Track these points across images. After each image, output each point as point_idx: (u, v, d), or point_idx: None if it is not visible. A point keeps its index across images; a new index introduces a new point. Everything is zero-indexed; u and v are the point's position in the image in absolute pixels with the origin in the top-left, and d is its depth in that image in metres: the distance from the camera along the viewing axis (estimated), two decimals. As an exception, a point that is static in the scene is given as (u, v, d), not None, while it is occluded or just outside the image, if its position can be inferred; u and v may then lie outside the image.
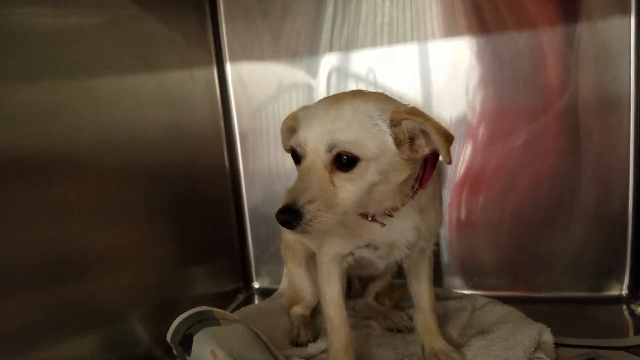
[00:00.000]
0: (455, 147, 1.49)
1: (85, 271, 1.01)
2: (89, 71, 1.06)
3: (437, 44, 1.47)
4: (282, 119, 1.03)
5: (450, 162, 0.88)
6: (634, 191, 1.41)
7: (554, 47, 1.39)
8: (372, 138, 0.89)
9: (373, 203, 0.96)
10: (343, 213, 0.90)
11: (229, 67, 1.64)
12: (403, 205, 0.99)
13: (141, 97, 1.23)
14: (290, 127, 1.06)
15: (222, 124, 1.65)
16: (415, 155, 0.92)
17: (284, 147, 1.10)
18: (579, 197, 1.45)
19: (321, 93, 1.57)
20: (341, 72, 1.56)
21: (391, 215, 1.00)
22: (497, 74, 1.44)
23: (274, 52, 1.60)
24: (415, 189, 0.98)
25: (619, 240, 1.44)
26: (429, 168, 0.99)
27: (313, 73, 1.58)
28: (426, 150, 0.92)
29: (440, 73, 1.48)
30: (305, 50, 1.57)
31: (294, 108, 1.57)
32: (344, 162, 0.88)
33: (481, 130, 1.47)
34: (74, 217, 0.98)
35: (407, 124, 0.90)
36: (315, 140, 0.89)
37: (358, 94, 0.96)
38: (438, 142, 0.87)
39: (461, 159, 1.50)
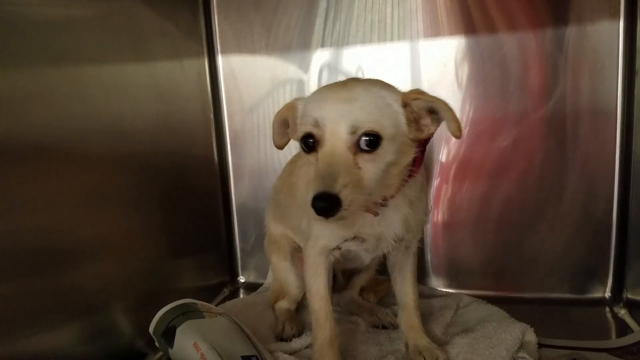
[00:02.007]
0: (442, 146, 1.50)
1: (68, 261, 0.99)
2: (76, 58, 1.04)
3: (428, 43, 1.47)
4: (273, 113, 1.01)
5: (460, 137, 0.91)
6: (619, 195, 1.42)
7: (544, 49, 1.40)
8: (388, 118, 0.90)
9: (383, 187, 0.96)
10: (369, 195, 0.90)
11: (220, 59, 1.63)
12: (397, 193, 1.00)
13: (130, 86, 1.22)
14: (284, 120, 1.05)
15: (211, 116, 1.64)
16: (421, 134, 0.95)
17: (275, 142, 1.08)
18: (565, 199, 1.46)
19: (312, 88, 1.54)
20: (332, 68, 1.55)
21: (384, 205, 1.00)
22: (486, 74, 1.44)
23: (266, 45, 1.59)
24: (410, 175, 0.99)
25: (603, 244, 1.45)
26: (419, 156, 1.00)
27: (305, 68, 1.57)
28: (432, 129, 0.95)
29: (430, 72, 1.48)
30: (297, 44, 1.56)
31: (284, 102, 1.56)
32: (367, 142, 0.88)
33: (469, 130, 1.48)
34: (59, 206, 0.97)
35: (417, 104, 0.92)
36: (334, 121, 0.88)
37: (360, 79, 0.97)
38: (449, 117, 0.89)
39: (448, 158, 1.51)
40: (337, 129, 0.88)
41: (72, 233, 1.01)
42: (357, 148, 0.88)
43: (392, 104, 0.92)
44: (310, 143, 0.92)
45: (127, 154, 1.20)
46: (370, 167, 0.89)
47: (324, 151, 0.89)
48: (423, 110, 0.93)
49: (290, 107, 1.02)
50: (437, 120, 0.94)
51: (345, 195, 0.83)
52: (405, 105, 0.92)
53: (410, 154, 0.96)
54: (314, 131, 0.90)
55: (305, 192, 1.08)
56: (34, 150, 0.92)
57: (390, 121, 0.90)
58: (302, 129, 0.93)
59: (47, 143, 0.95)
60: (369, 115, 0.88)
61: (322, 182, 0.85)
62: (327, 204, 0.83)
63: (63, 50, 1.00)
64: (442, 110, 0.90)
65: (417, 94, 0.92)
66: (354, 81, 0.95)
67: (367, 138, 0.87)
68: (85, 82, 1.06)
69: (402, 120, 0.92)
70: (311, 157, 0.93)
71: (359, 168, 0.88)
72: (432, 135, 0.97)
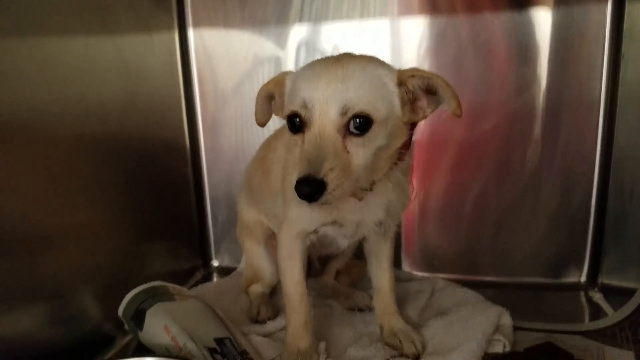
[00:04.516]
0: (420, 129, 1.47)
1: (33, 245, 0.96)
2: (36, 29, 0.98)
3: (408, 22, 1.43)
4: (249, 91, 0.95)
5: (460, 115, 0.86)
6: (598, 183, 1.42)
7: (529, 34, 1.38)
8: (381, 99, 0.86)
9: (372, 171, 0.92)
10: (356, 180, 0.86)
11: (191, 33, 1.56)
12: (384, 177, 0.96)
13: (95, 61, 1.16)
14: (269, 95, 0.99)
15: (182, 94, 1.57)
16: (416, 117, 0.91)
17: (257, 119, 1.02)
18: (544, 187, 1.45)
19: (290, 66, 1.51)
20: (310, 45, 1.50)
21: (371, 190, 0.97)
22: (470, 56, 1.42)
23: (241, 19, 1.52)
24: (401, 157, 0.95)
25: (581, 230, 1.46)
26: (408, 138, 0.96)
27: (282, 44, 1.52)
28: (428, 112, 0.91)
29: (411, 52, 1.45)
30: (274, 19, 1.50)
31: (261, 81, 1.52)
32: (357, 125, 0.84)
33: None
34: (20, 189, 0.93)
35: (413, 82, 0.87)
36: (324, 101, 0.83)
37: (354, 55, 0.92)
38: (449, 96, 0.85)
39: (422, 143, 1.48)
40: (327, 110, 0.83)
41: (35, 216, 0.97)
42: (346, 131, 0.84)
43: (387, 83, 0.87)
44: (296, 123, 0.88)
45: (92, 135, 1.14)
46: (359, 151, 0.85)
47: (311, 133, 0.85)
48: (420, 90, 0.89)
49: (278, 82, 0.97)
50: (435, 102, 0.89)
51: (331, 179, 0.80)
52: (400, 84, 0.88)
53: (402, 137, 0.92)
54: (302, 112, 0.86)
55: (288, 175, 1.05)
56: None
57: (384, 103, 0.86)
58: (289, 108, 0.89)
59: (6, 122, 0.90)
60: (362, 96, 0.83)
61: (307, 165, 0.81)
62: (311, 189, 0.80)
63: (21, 20, 0.94)
64: (441, 87, 0.86)
65: (414, 71, 0.88)
66: (348, 57, 0.89)
67: (357, 120, 0.83)
68: (47, 56, 1.01)
69: (397, 101, 0.88)
70: (297, 138, 0.89)
71: (348, 152, 0.84)
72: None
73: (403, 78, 0.88)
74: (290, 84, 0.94)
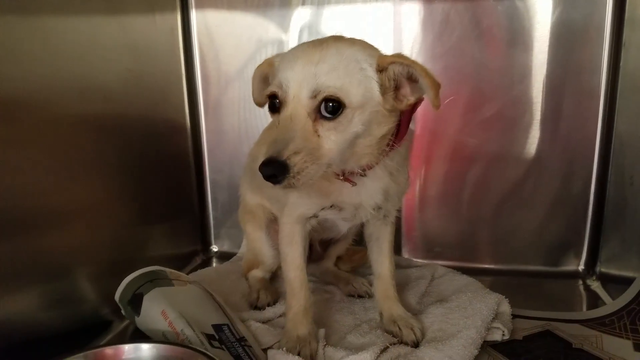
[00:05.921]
0: (416, 116, 1.45)
1: (31, 225, 0.95)
2: (42, 9, 0.97)
3: (413, 6, 1.42)
4: (252, 74, 0.96)
5: (438, 107, 0.85)
6: (598, 172, 1.42)
7: (531, 19, 1.36)
8: (357, 84, 0.85)
9: (353, 158, 0.92)
10: (328, 165, 0.86)
11: (194, 15, 1.55)
12: (377, 163, 0.96)
13: (98, 41, 1.15)
14: (264, 76, 1.00)
15: (183, 76, 1.56)
16: (400, 105, 0.89)
17: (254, 99, 1.04)
18: (543, 175, 1.45)
19: (292, 49, 1.50)
20: (313, 28, 1.49)
21: (364, 175, 0.97)
22: (472, 42, 1.40)
23: (244, 2, 1.51)
24: (391, 145, 0.94)
25: (579, 218, 1.46)
26: (403, 124, 0.95)
27: (285, 27, 1.51)
28: (411, 100, 0.89)
29: (414, 36, 1.43)
30: (277, 1, 1.49)
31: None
32: (329, 109, 0.83)
33: (448, 102, 1.44)
34: (23, 168, 0.93)
35: (394, 69, 0.86)
36: (298, 83, 0.84)
37: (341, 38, 0.91)
38: (427, 85, 0.84)
39: (423, 129, 1.47)
40: (299, 93, 0.84)
41: (36, 196, 0.96)
42: (317, 114, 0.84)
43: (365, 69, 0.86)
44: (276, 104, 0.88)
45: (93, 113, 1.14)
46: (331, 135, 0.84)
47: (283, 115, 0.85)
48: (402, 76, 0.87)
49: (270, 63, 0.98)
50: (418, 90, 0.88)
51: (294, 162, 0.80)
52: (381, 70, 0.87)
53: (386, 124, 0.91)
54: (278, 92, 0.86)
55: None
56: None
57: (360, 88, 0.85)
58: (269, 89, 0.89)
59: (10, 100, 0.89)
60: (335, 80, 0.83)
61: (272, 146, 0.81)
62: (273, 171, 0.80)
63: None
64: (420, 75, 0.84)
65: (395, 57, 0.87)
66: (332, 40, 0.89)
67: (329, 104, 0.83)
68: (50, 34, 1.00)
69: (376, 87, 0.87)
70: (275, 119, 0.89)
71: (319, 136, 0.84)
72: (414, 106, 0.92)
73: (383, 64, 0.86)
74: (277, 65, 0.94)
